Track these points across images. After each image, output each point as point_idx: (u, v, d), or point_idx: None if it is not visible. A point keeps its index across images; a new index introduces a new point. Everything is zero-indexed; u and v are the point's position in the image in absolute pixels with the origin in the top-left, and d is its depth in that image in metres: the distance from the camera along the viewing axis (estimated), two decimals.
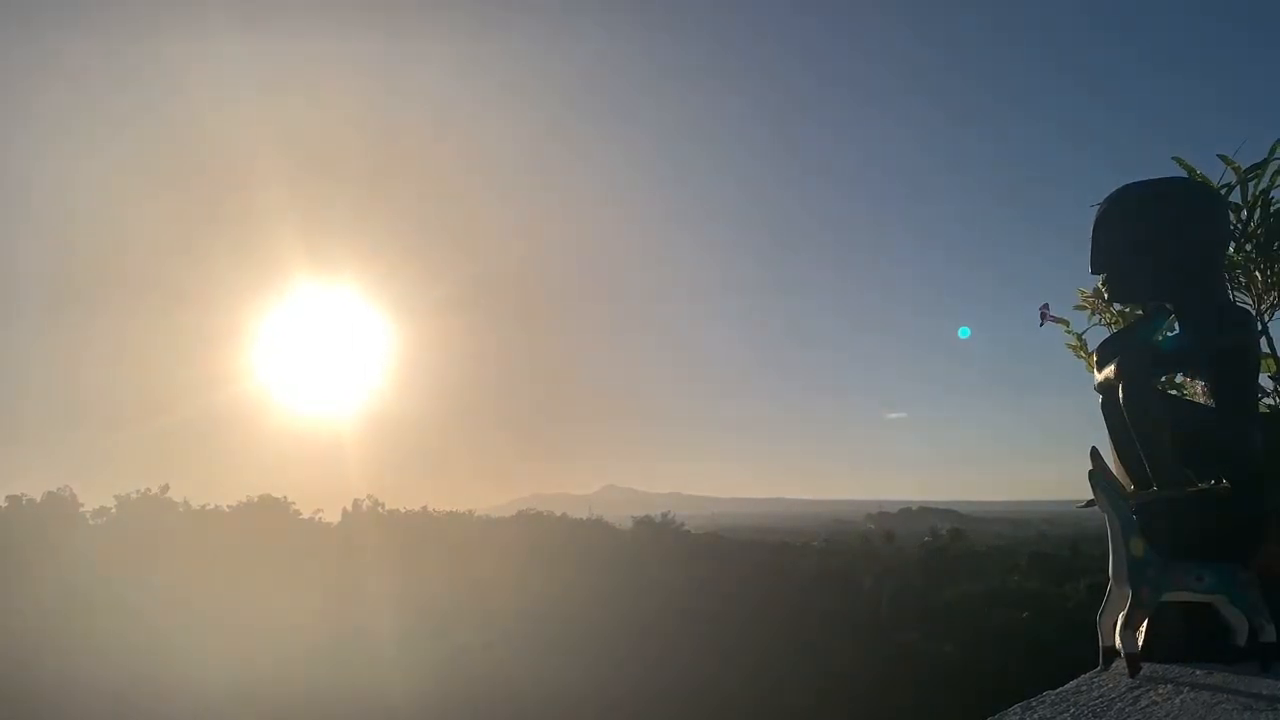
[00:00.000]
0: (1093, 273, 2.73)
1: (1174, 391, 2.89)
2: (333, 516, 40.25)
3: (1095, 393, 2.69)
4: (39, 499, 35.22)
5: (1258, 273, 2.88)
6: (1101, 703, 2.02)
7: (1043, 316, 3.16)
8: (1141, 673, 2.17)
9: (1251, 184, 2.88)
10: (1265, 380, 2.80)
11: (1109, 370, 2.60)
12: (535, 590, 30.76)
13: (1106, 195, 2.68)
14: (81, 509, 35.80)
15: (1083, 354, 3.14)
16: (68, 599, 26.93)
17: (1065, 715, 1.96)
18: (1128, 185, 2.66)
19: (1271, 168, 2.86)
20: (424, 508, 42.85)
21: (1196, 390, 2.72)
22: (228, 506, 38.00)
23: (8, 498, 35.07)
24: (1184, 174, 2.90)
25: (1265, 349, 2.78)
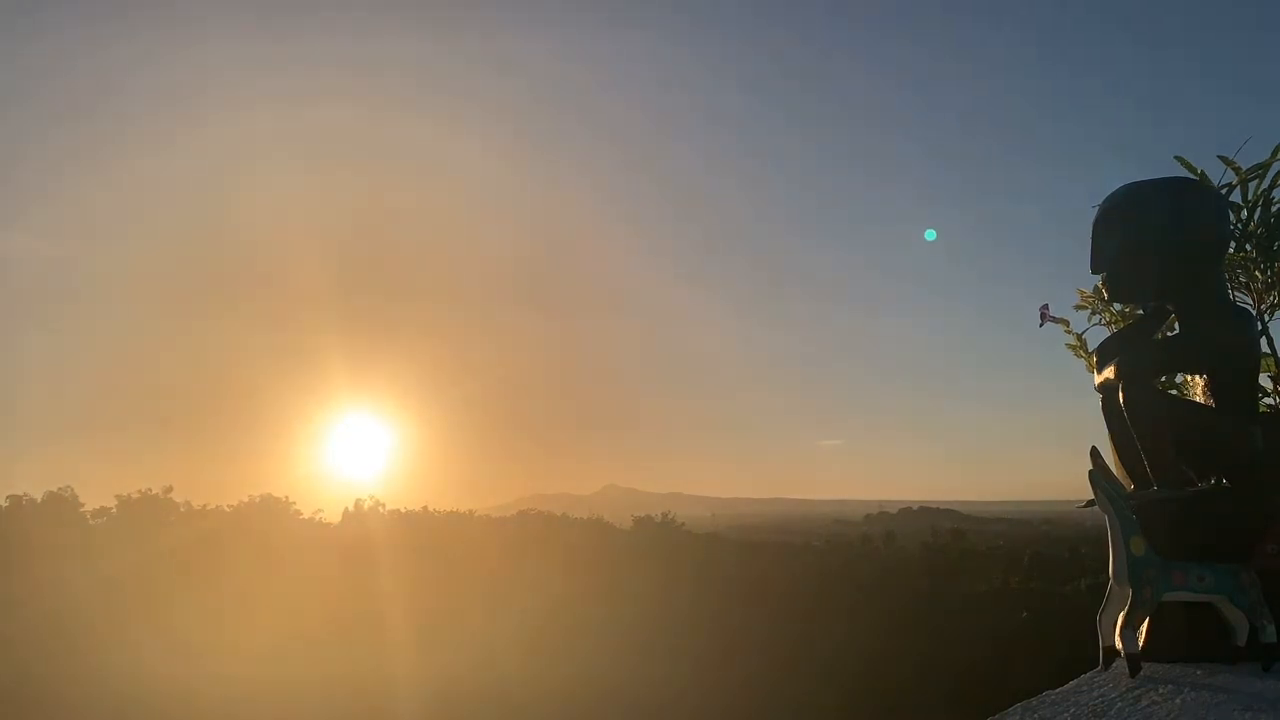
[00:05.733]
0: (1093, 272, 2.73)
1: (1174, 391, 2.89)
2: (333, 516, 40.31)
3: (1095, 393, 2.70)
4: (39, 499, 35.23)
5: (1258, 273, 2.88)
6: (1102, 703, 2.02)
7: (1043, 316, 3.16)
8: (1142, 673, 2.17)
9: (1252, 184, 2.88)
10: (1265, 380, 2.80)
11: (1109, 370, 2.60)
12: (536, 589, 30.75)
13: (1106, 195, 2.68)
14: (81, 509, 35.81)
15: (1083, 354, 3.14)
16: (68, 599, 26.93)
17: (1065, 715, 1.96)
18: (1128, 185, 2.66)
19: (1273, 168, 2.86)
20: (425, 508, 42.93)
21: (1196, 390, 2.72)
22: (228, 506, 38.02)
23: (8, 498, 35.08)
24: (1185, 173, 2.90)
25: (1265, 349, 2.78)
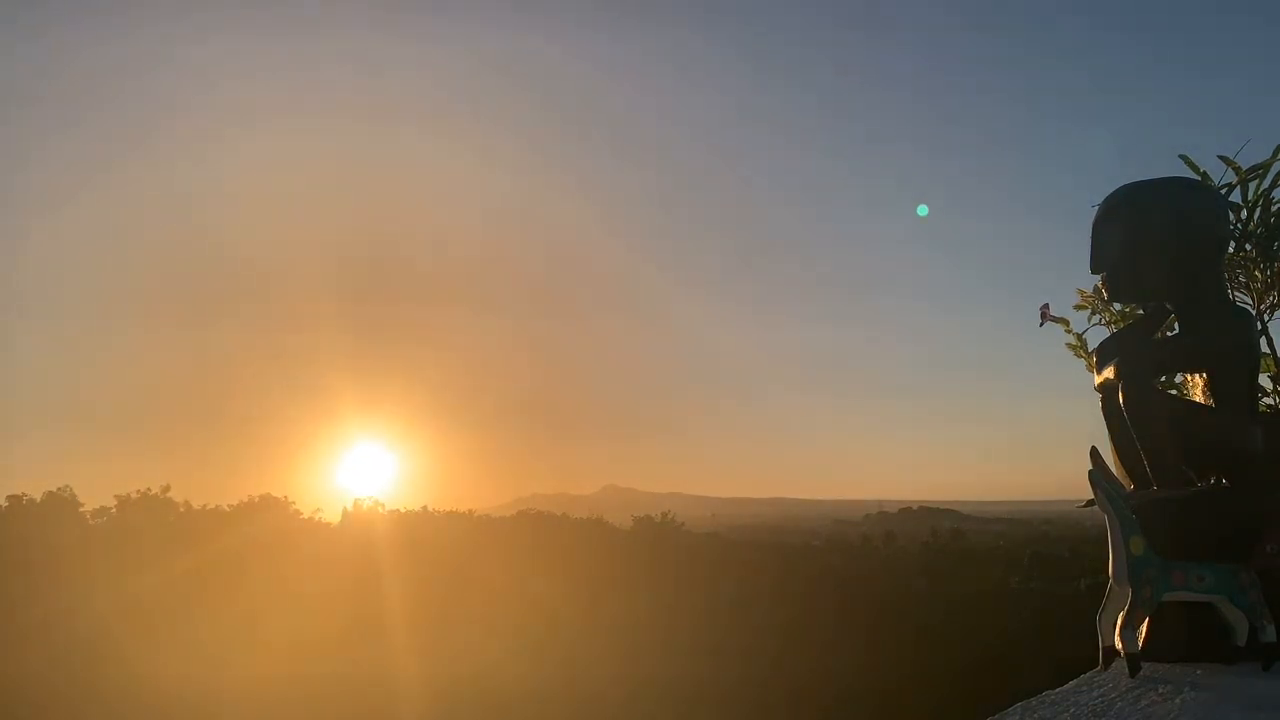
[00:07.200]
0: (1093, 272, 2.73)
1: (1174, 391, 2.89)
2: (333, 516, 40.33)
3: (1095, 393, 2.70)
4: (39, 499, 35.23)
5: (1258, 273, 2.89)
6: (1101, 703, 2.02)
7: (1043, 316, 3.16)
8: (1141, 673, 2.17)
9: (1252, 184, 2.88)
10: (1265, 380, 2.80)
11: (1109, 370, 2.60)
12: (535, 590, 30.75)
13: (1107, 195, 2.68)
14: (81, 509, 35.81)
15: (1083, 354, 3.14)
16: (68, 599, 26.92)
17: (1065, 715, 1.96)
18: (1128, 185, 2.66)
19: (1273, 168, 2.86)
20: (424, 508, 42.95)
21: (1196, 390, 2.72)
22: (228, 506, 38.03)
23: (8, 498, 35.07)
24: (1188, 173, 2.90)
25: (1265, 349, 2.78)
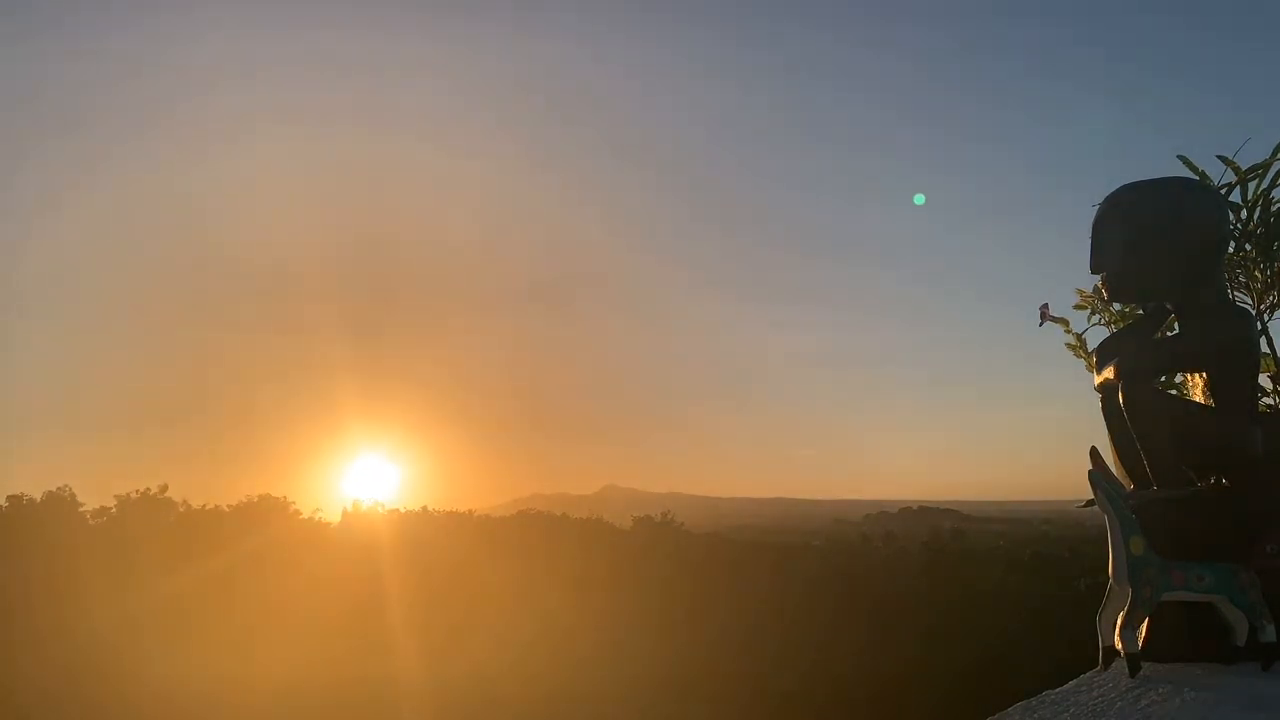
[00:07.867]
0: (1092, 272, 2.73)
1: (1174, 391, 2.89)
2: (333, 516, 40.30)
3: (1095, 393, 2.70)
4: (39, 499, 35.19)
5: (1258, 273, 2.88)
6: (1101, 703, 2.02)
7: (1042, 316, 3.16)
8: (1141, 673, 2.17)
9: (1252, 184, 2.88)
10: (1265, 380, 2.80)
11: (1109, 370, 2.60)
12: (535, 590, 30.76)
13: (1106, 195, 2.68)
14: (81, 509, 35.76)
15: (1082, 354, 3.14)
16: (70, 600, 26.92)
17: (1065, 715, 1.96)
18: (1127, 184, 2.66)
19: (1273, 168, 2.86)
20: (424, 508, 42.90)
21: (1196, 390, 2.72)
22: (228, 506, 37.97)
23: (8, 498, 35.01)
24: (1186, 173, 2.90)
25: (1265, 349, 2.78)
